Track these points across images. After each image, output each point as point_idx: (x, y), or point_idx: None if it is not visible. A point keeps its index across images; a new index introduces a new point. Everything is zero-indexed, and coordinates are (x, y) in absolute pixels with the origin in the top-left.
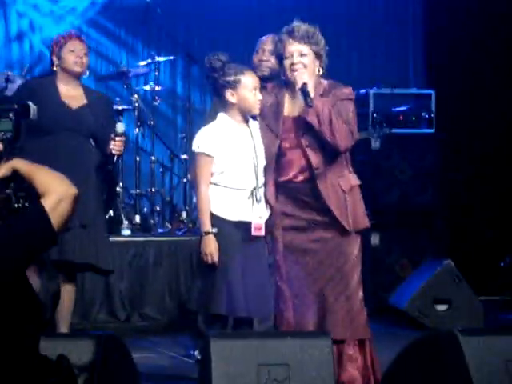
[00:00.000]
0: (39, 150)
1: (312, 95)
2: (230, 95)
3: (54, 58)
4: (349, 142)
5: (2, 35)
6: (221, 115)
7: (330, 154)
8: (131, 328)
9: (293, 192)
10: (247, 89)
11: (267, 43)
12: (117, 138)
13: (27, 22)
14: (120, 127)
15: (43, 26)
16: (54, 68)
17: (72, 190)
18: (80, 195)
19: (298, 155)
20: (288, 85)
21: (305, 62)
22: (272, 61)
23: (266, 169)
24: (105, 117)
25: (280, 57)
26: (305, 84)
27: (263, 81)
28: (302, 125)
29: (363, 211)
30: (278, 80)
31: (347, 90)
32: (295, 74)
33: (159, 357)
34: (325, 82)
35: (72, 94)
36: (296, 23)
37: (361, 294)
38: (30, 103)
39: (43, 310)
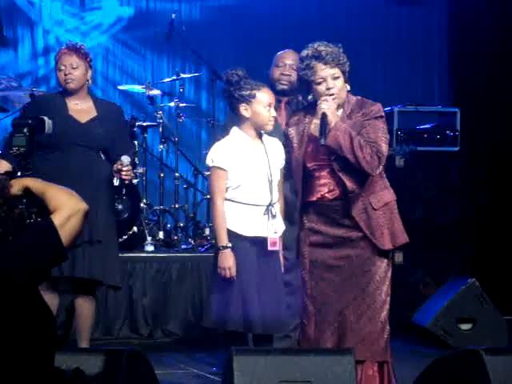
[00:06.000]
0: (49, 165)
1: (333, 124)
2: (243, 110)
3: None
4: (374, 164)
5: (29, 52)
6: (234, 130)
7: (363, 174)
8: (154, 344)
9: (322, 209)
10: (261, 104)
11: (288, 58)
12: (124, 169)
13: (53, 39)
14: (125, 160)
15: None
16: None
17: (82, 206)
18: (89, 210)
19: (327, 174)
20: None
21: (338, 85)
22: (293, 75)
23: (295, 183)
24: (116, 128)
25: (307, 80)
26: (324, 114)
27: (281, 94)
28: (331, 150)
29: (401, 226)
30: (294, 95)
31: (376, 108)
32: (320, 103)
33: (182, 373)
34: (353, 99)
35: (80, 108)
36: (320, 45)
37: (384, 314)
38: (45, 118)
39: (56, 325)
